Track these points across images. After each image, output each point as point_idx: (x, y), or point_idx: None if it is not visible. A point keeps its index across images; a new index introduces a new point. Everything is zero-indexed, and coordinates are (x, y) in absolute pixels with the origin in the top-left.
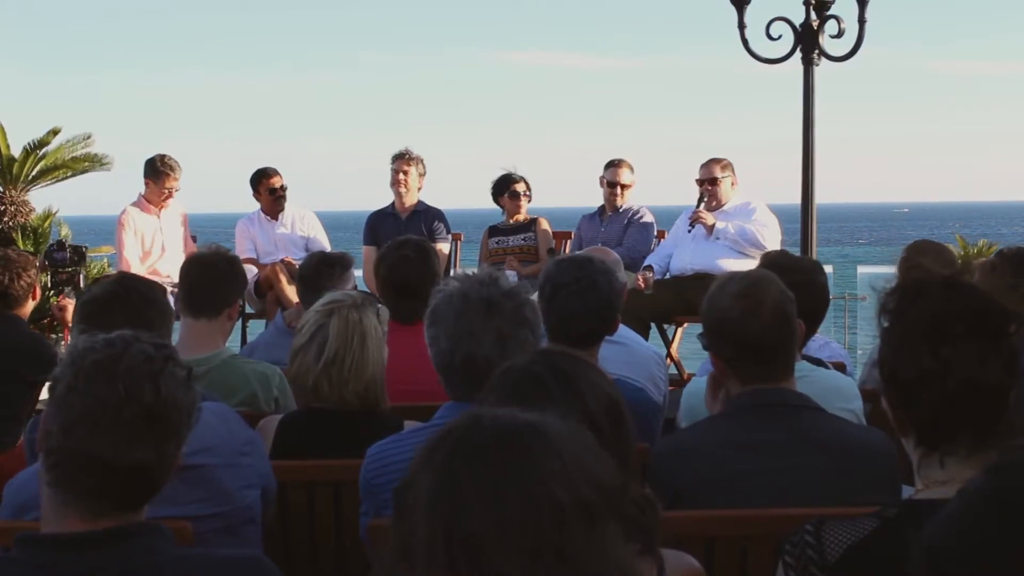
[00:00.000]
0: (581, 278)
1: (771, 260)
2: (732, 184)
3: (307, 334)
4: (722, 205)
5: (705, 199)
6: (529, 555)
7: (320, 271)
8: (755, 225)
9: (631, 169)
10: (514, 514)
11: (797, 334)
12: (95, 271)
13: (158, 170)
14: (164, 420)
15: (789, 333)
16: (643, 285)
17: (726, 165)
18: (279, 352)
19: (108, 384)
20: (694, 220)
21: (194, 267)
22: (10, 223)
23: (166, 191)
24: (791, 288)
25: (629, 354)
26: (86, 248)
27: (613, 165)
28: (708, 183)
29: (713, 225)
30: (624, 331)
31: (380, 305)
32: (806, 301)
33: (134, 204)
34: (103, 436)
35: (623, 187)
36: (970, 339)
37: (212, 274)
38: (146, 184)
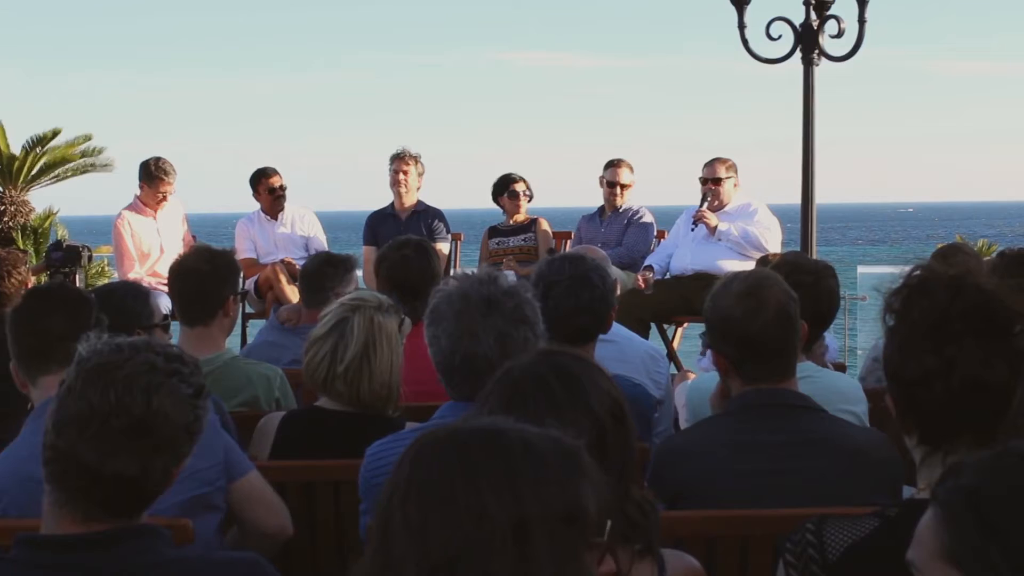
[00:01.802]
0: (574, 275)
1: (784, 257)
2: (735, 185)
3: (327, 325)
4: (724, 206)
5: (708, 199)
6: (459, 551)
7: (324, 271)
8: (758, 227)
9: (631, 169)
10: (449, 508)
11: (800, 334)
12: (94, 271)
13: (152, 174)
14: (152, 434)
15: (792, 333)
16: (643, 285)
17: (730, 166)
18: (277, 352)
19: (102, 391)
20: (697, 219)
21: (177, 278)
22: (10, 223)
23: (160, 195)
24: (795, 288)
25: (621, 351)
26: (82, 247)
27: (613, 165)
28: (712, 183)
29: (716, 226)
30: (616, 328)
31: (406, 317)
32: (810, 302)
33: (129, 207)
34: (89, 442)
35: (622, 187)
36: (975, 338)
37: (195, 282)
38: (141, 187)
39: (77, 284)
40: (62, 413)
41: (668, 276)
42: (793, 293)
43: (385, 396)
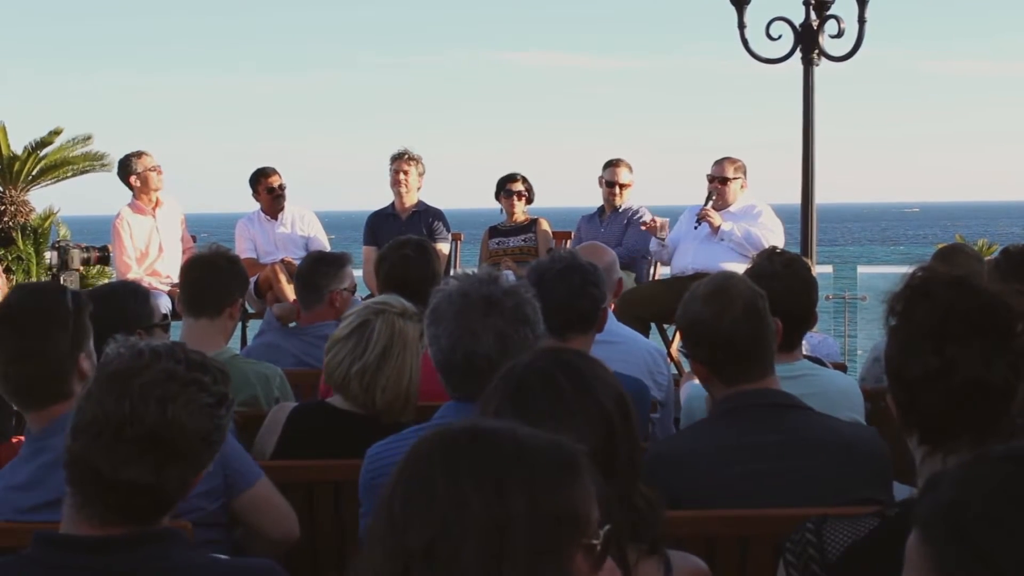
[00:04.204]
0: (565, 264)
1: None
2: (742, 186)
3: (349, 326)
4: (728, 205)
5: (714, 197)
6: (435, 543)
7: (317, 269)
8: (761, 229)
9: (630, 169)
10: (428, 500)
11: (772, 330)
12: (94, 271)
13: (129, 163)
14: (166, 444)
15: (763, 328)
16: (656, 223)
17: (739, 167)
18: (276, 353)
19: (117, 398)
20: (701, 217)
21: (194, 266)
22: (10, 223)
23: (148, 175)
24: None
25: (623, 352)
26: (71, 244)
27: (612, 165)
28: (719, 181)
29: (719, 226)
30: (618, 328)
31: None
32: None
33: (128, 206)
34: (102, 450)
35: (621, 186)
36: (976, 338)
37: (212, 273)
38: (131, 183)
39: (63, 284)
40: (79, 417)
41: (668, 276)
42: (759, 289)
43: (401, 403)
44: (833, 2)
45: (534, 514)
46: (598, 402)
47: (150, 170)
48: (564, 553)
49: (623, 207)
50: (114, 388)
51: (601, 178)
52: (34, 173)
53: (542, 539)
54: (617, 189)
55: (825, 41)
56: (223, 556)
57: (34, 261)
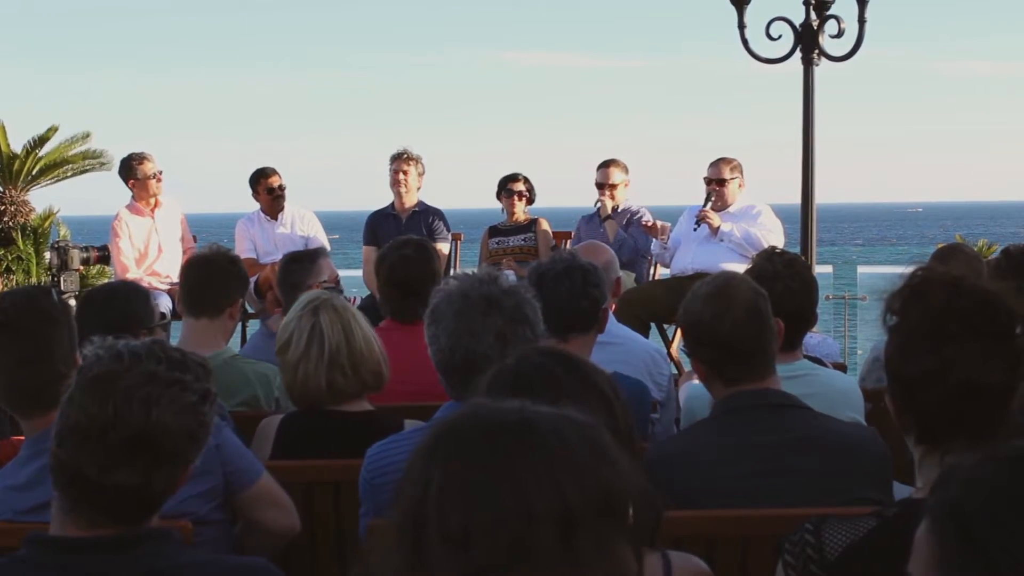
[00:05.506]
0: (565, 264)
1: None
2: (739, 186)
3: (300, 342)
4: (728, 206)
5: (712, 199)
6: (507, 554)
7: (290, 269)
8: (761, 230)
9: (623, 169)
10: (492, 511)
11: (774, 331)
12: (94, 271)
13: (131, 165)
14: (153, 446)
15: (764, 330)
16: (657, 225)
17: (735, 167)
18: (268, 356)
19: (101, 403)
20: (700, 219)
21: (194, 266)
22: (10, 223)
23: (148, 180)
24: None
25: (623, 353)
26: (70, 244)
27: (603, 166)
28: (716, 183)
29: (718, 227)
30: (618, 329)
31: (343, 296)
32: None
33: (126, 207)
34: (88, 454)
35: (612, 187)
36: (974, 339)
37: (213, 273)
38: (130, 186)
39: (63, 286)
40: (63, 423)
41: (668, 276)
42: (762, 290)
43: (384, 369)
44: (833, 2)
45: (588, 504)
46: (594, 382)
47: (149, 178)
48: (619, 540)
49: (622, 207)
50: (97, 392)
51: (596, 180)
52: (34, 173)
53: (601, 530)
54: (607, 190)
55: (825, 41)
56: (217, 555)
57: (34, 261)
